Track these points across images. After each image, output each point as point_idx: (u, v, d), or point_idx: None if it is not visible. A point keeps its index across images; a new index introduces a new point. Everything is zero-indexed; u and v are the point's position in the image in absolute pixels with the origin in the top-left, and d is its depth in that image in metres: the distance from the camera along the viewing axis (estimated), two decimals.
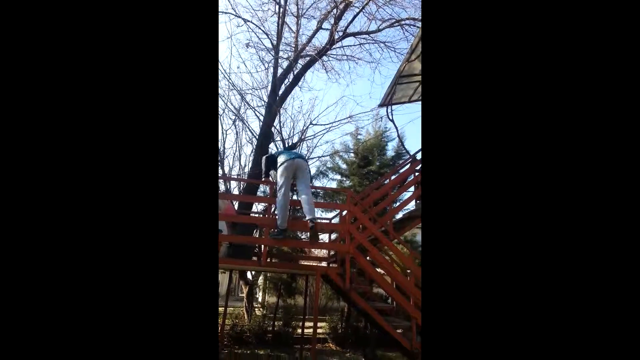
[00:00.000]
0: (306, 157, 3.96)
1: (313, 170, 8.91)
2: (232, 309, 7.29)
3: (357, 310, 4.75)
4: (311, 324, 3.86)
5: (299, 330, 6.09)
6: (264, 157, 3.83)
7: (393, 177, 5.36)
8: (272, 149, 7.36)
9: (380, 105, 5.89)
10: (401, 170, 5.62)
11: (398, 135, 8.13)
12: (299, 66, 7.12)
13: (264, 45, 7.32)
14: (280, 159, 3.63)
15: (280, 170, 3.56)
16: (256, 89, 7.67)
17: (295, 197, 3.82)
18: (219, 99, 11.04)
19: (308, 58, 7.02)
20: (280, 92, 7.00)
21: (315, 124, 9.72)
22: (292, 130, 8.14)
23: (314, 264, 5.64)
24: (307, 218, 3.50)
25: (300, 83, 7.37)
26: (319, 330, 5.36)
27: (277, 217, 3.59)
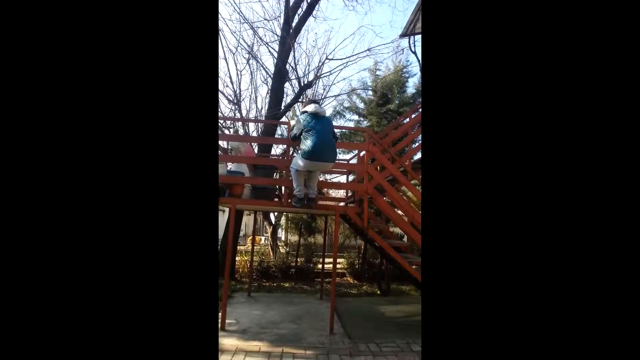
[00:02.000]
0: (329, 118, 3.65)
1: (330, 111, 8.66)
2: (258, 247, 7.75)
3: (373, 247, 4.92)
4: (330, 260, 4.04)
5: (320, 266, 6.47)
6: (295, 121, 3.51)
7: (413, 116, 5.12)
8: (288, 88, 7.12)
9: (402, 36, 5.42)
10: (421, 109, 5.34)
11: (420, 69, 7.57)
12: None
13: None
14: (308, 144, 3.23)
15: (303, 160, 3.28)
16: (268, 20, 7.16)
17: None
18: (232, 35, 10.50)
19: None
20: (294, 24, 6.52)
21: (332, 59, 9.12)
22: (307, 67, 7.74)
23: (332, 204, 5.75)
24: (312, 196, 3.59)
25: (314, 12, 6.83)
26: (337, 266, 5.65)
27: (294, 186, 3.56)
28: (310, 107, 3.39)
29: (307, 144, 3.24)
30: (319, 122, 3.32)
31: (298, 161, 3.40)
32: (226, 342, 3.09)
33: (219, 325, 3.41)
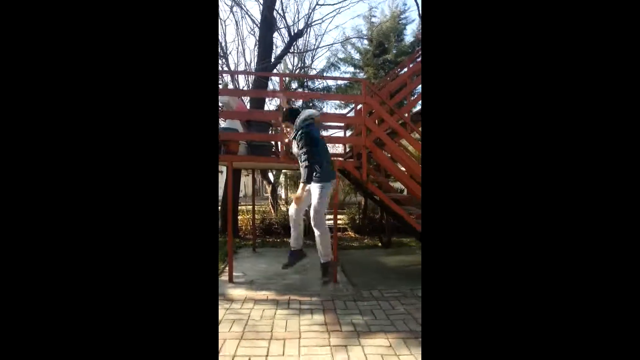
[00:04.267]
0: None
1: (323, 63, 8.31)
2: (259, 205, 7.87)
3: (374, 202, 4.98)
4: (331, 216, 4.11)
5: None
6: (299, 119, 2.90)
7: (411, 65, 4.93)
8: (277, 39, 6.73)
9: None
10: (419, 58, 5.12)
11: (419, 14, 7.13)
12: None
13: None
14: (323, 167, 2.81)
15: (325, 184, 2.85)
16: None
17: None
18: None
19: None
20: None
21: (323, 4, 8.55)
22: (297, 15, 7.31)
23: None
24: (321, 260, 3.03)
25: None
26: (338, 222, 5.77)
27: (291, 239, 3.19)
28: (305, 114, 2.89)
29: (322, 164, 2.81)
30: (318, 131, 2.96)
31: (318, 192, 2.81)
32: (234, 292, 3.23)
33: (228, 278, 3.55)
